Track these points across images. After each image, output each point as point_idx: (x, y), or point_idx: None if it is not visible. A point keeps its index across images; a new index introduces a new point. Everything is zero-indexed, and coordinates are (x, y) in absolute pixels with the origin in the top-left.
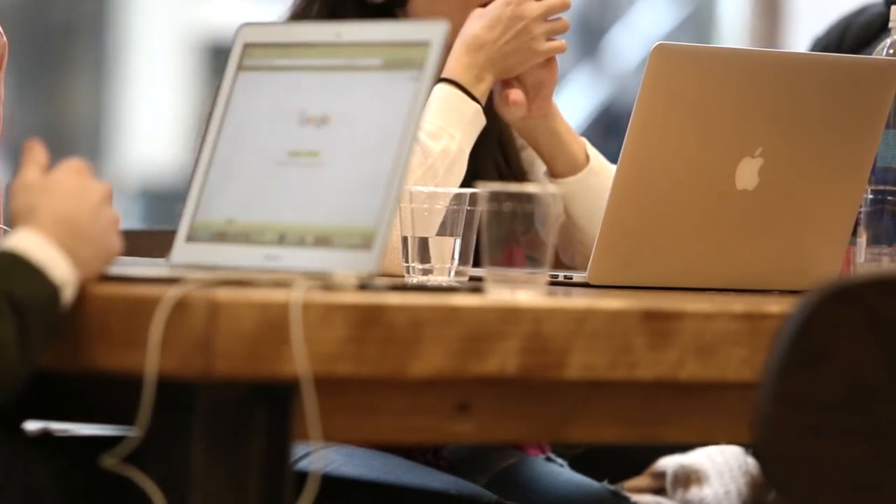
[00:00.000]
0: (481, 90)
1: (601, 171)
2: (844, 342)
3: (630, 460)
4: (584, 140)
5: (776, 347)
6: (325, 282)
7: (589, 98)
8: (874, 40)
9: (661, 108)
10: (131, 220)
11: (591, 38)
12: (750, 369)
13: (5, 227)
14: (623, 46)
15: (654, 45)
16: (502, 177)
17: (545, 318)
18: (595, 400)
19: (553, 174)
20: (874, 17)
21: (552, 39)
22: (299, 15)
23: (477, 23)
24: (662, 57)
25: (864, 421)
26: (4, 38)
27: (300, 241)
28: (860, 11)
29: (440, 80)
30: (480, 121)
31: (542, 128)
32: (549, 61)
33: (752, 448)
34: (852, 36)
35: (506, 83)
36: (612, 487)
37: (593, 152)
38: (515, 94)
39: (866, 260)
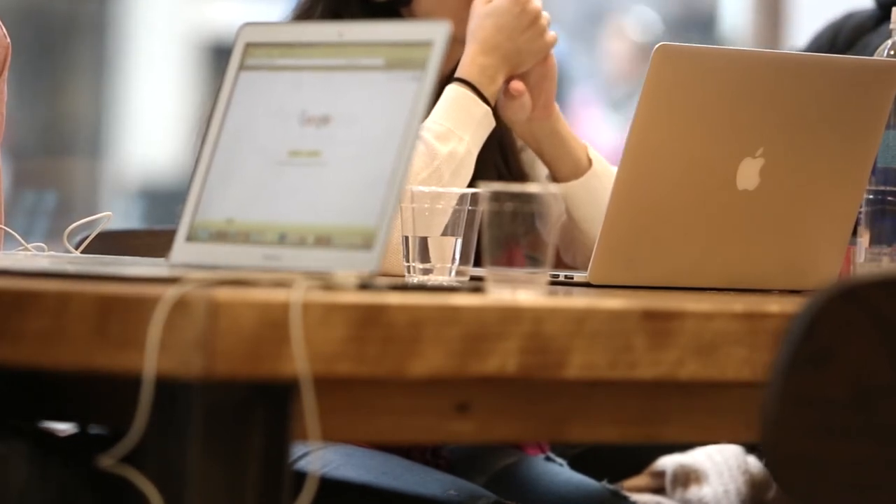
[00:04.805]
0: (493, 91)
1: (604, 174)
2: (851, 342)
3: (629, 460)
4: (586, 143)
5: (783, 347)
6: (326, 282)
7: None
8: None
9: (663, 108)
10: (131, 220)
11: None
12: (750, 369)
13: (5, 228)
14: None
15: (656, 46)
16: (502, 179)
17: (545, 318)
18: (595, 399)
19: (556, 178)
20: (864, 19)
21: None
22: (303, 15)
23: (487, 21)
24: (664, 57)
25: (870, 420)
26: (8, 40)
27: (300, 241)
28: (848, 16)
29: (454, 79)
30: (490, 122)
31: (546, 130)
32: (547, 57)
33: (759, 447)
34: (843, 39)
35: (507, 79)
36: (611, 487)
37: (595, 155)
38: (516, 83)
39: (866, 260)
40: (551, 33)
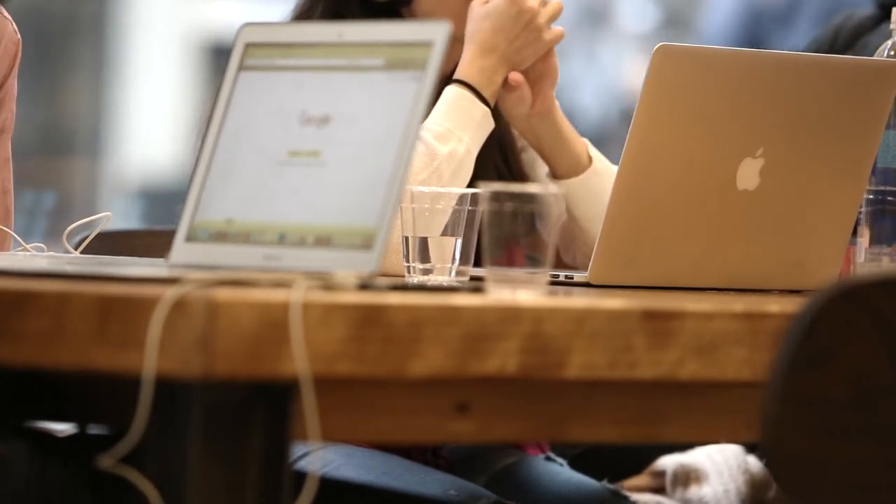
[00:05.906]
0: (492, 91)
1: (604, 172)
2: (851, 342)
3: (630, 459)
4: (586, 141)
5: (783, 347)
6: (326, 282)
7: None
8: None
9: (663, 108)
10: (131, 220)
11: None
12: (750, 369)
13: (6, 228)
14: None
15: (656, 46)
16: (502, 179)
17: (545, 318)
18: (595, 399)
19: (556, 175)
20: (864, 20)
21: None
22: (303, 15)
23: (484, 23)
24: (664, 57)
25: (870, 420)
26: (18, 36)
27: (300, 241)
28: (848, 16)
29: (452, 80)
30: (489, 123)
31: (546, 125)
32: (548, 53)
33: (759, 447)
34: (843, 39)
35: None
36: (611, 487)
37: (595, 153)
38: (514, 74)
39: (866, 260)
40: (556, 30)
